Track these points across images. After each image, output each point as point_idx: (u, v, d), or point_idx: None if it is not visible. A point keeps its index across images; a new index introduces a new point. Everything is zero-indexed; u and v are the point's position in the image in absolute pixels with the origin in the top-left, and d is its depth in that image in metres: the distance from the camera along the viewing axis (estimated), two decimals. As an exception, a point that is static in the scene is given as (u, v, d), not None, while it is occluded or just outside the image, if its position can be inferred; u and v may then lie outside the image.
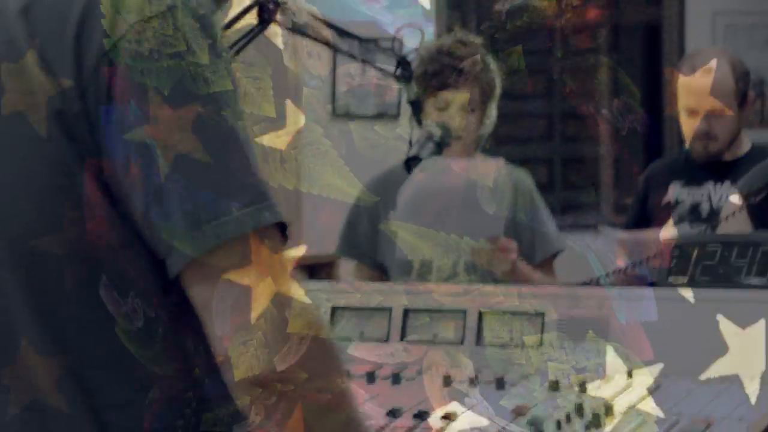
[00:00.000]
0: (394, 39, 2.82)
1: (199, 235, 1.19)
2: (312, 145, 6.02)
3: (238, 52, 2.56)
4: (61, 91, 1.22)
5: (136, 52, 1.21)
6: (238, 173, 1.21)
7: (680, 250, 2.15)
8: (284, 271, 1.23)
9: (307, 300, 1.24)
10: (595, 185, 7.78)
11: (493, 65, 3.26)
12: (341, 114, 6.58)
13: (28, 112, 1.23)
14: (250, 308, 1.20)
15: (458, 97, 3.22)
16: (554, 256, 3.29)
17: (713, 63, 3.50)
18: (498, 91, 3.27)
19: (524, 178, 3.34)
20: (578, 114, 8.34)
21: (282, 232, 1.25)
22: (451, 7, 7.24)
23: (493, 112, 3.27)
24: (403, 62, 2.79)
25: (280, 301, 1.21)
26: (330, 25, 2.61)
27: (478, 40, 3.33)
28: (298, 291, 1.24)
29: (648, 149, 7.39)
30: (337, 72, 6.45)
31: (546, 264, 3.26)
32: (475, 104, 3.23)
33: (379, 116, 6.46)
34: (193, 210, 1.20)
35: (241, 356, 1.20)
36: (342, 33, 2.66)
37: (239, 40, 2.55)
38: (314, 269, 5.99)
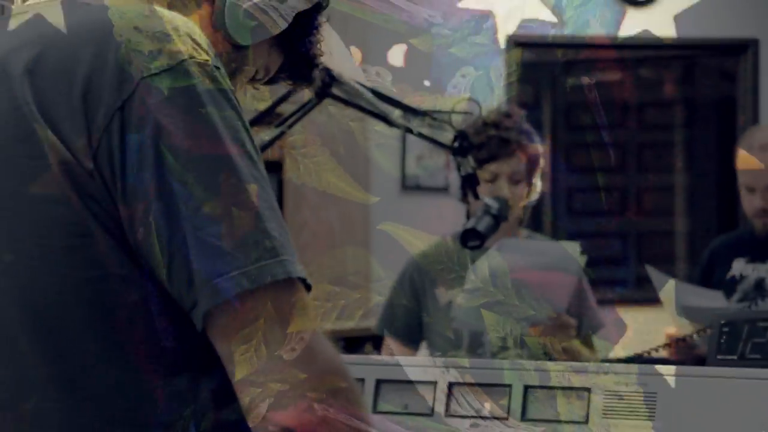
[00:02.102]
0: (451, 112, 2.83)
1: (214, 287, 1.19)
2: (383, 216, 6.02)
3: (292, 125, 2.58)
4: (71, 152, 1.22)
5: (144, 109, 1.21)
6: (250, 228, 1.21)
7: (730, 326, 2.11)
8: (308, 323, 1.23)
9: (335, 355, 1.24)
10: (664, 259, 7.71)
11: (537, 137, 3.27)
12: (411, 186, 6.58)
13: (39, 177, 1.23)
14: (274, 360, 1.20)
15: (504, 168, 3.22)
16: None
17: None
18: (542, 163, 3.27)
19: (574, 251, 3.31)
20: (652, 187, 8.29)
21: (305, 285, 1.25)
22: (524, 81, 7.23)
23: (538, 183, 3.26)
24: (461, 135, 2.78)
25: (307, 354, 1.21)
26: (384, 98, 2.62)
27: (522, 111, 3.32)
28: (327, 344, 1.24)
29: (722, 223, 7.31)
30: (406, 145, 6.50)
31: (588, 339, 3.22)
32: (520, 176, 3.24)
33: (446, 190, 6.46)
34: (207, 263, 1.20)
35: (268, 407, 1.19)
36: (399, 106, 2.67)
37: (294, 113, 2.57)
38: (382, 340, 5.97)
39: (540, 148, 3.28)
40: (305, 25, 1.54)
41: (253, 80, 1.56)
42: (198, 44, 1.27)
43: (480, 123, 3.26)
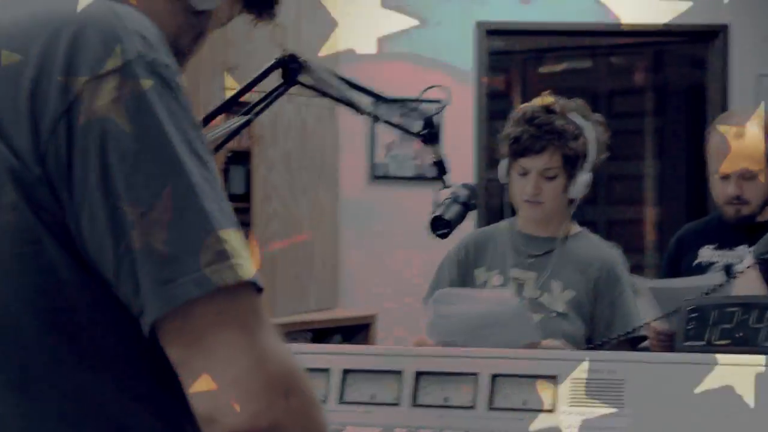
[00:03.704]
0: (420, 100, 2.81)
1: (162, 295, 1.17)
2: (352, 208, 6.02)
3: (261, 112, 2.55)
4: (18, 157, 1.19)
5: (90, 112, 1.18)
6: (199, 232, 1.19)
7: (697, 311, 2.11)
8: (261, 326, 1.20)
9: (289, 356, 1.21)
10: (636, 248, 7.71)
11: (586, 131, 3.23)
12: (380, 176, 6.57)
13: None
14: (227, 364, 1.17)
15: (536, 164, 3.21)
16: (634, 336, 3.17)
17: (745, 125, 3.45)
18: (591, 156, 3.23)
19: (611, 256, 3.30)
20: (622, 175, 8.29)
21: (257, 288, 1.22)
22: (493, 70, 7.23)
23: (582, 178, 3.22)
24: (428, 123, 2.76)
25: (260, 356, 1.18)
26: (354, 86, 2.60)
27: (568, 105, 3.28)
28: (280, 346, 1.21)
29: (691, 211, 7.32)
30: (375, 134, 6.49)
31: (624, 344, 3.16)
32: (556, 171, 3.21)
33: (418, 178, 6.45)
34: (154, 270, 1.17)
35: (222, 412, 1.17)
36: (368, 93, 2.64)
37: (263, 99, 2.55)
38: (352, 331, 5.96)
39: (589, 143, 3.23)
40: None
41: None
42: (148, 41, 1.22)
43: (519, 114, 3.26)
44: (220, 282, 1.17)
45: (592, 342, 3.11)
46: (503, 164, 3.29)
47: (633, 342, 3.19)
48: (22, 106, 1.19)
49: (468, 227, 3.17)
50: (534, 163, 3.20)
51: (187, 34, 1.44)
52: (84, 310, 1.21)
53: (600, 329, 3.17)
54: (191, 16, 1.44)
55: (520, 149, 3.22)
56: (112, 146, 1.17)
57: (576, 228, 3.35)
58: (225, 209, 1.21)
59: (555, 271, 3.23)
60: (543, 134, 3.19)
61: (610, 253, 3.30)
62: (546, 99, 3.28)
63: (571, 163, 3.20)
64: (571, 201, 3.27)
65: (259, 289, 1.21)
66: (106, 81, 1.18)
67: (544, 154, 3.19)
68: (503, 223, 3.42)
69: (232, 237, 1.20)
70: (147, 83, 1.19)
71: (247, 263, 1.20)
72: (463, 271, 3.31)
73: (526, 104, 3.32)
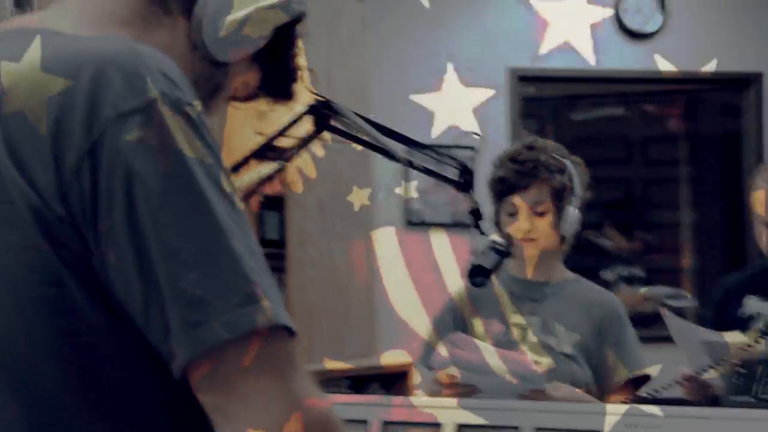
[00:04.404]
0: (455, 146, 2.79)
1: (192, 338, 1.14)
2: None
3: (290, 158, 2.52)
4: (40, 197, 1.16)
5: (114, 151, 1.15)
6: (228, 273, 1.15)
7: (745, 366, 2.05)
8: (295, 372, 1.17)
9: (325, 404, 1.18)
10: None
11: (569, 167, 3.21)
12: (415, 222, 6.55)
13: (8, 222, 1.17)
14: (262, 412, 1.14)
15: (524, 200, 3.19)
16: (635, 380, 3.16)
17: None
18: (578, 192, 3.22)
19: (612, 299, 3.28)
20: (658, 223, 8.25)
21: (290, 332, 1.18)
22: (526, 116, 7.20)
23: (572, 214, 3.20)
24: (464, 170, 2.73)
25: (295, 403, 1.15)
26: (387, 131, 2.57)
27: (546, 143, 3.28)
28: (316, 394, 1.17)
29: (728, 259, 7.26)
30: (409, 180, 6.46)
31: (625, 389, 3.13)
32: (546, 206, 3.19)
33: (453, 225, 6.42)
34: (183, 312, 1.14)
35: None
36: (400, 139, 2.61)
37: (295, 146, 2.52)
38: (390, 379, 5.92)
39: (573, 179, 3.22)
40: (284, 37, 1.47)
41: (233, 98, 1.50)
42: (171, 80, 1.20)
43: (502, 156, 3.25)
44: (251, 325, 1.14)
45: (597, 384, 3.09)
46: (476, 212, 3.28)
47: (637, 383, 3.16)
48: (45, 143, 1.17)
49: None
50: (523, 199, 3.19)
51: (205, 85, 1.41)
52: (107, 354, 1.18)
53: (605, 371, 3.15)
54: (208, 67, 1.41)
55: (506, 188, 3.21)
56: (138, 186, 1.14)
57: (571, 273, 3.34)
58: (255, 250, 1.18)
59: (557, 314, 3.21)
60: (528, 170, 3.18)
61: (611, 296, 3.31)
62: (528, 138, 3.30)
63: (559, 197, 3.19)
64: (562, 240, 3.25)
65: (292, 334, 1.17)
66: (130, 120, 1.16)
67: (531, 190, 3.18)
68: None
69: (262, 279, 1.16)
70: (171, 122, 1.17)
71: (279, 307, 1.17)
72: (461, 323, 3.28)
73: (508, 148, 3.32)
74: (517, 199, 3.19)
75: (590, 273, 7.19)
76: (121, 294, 1.16)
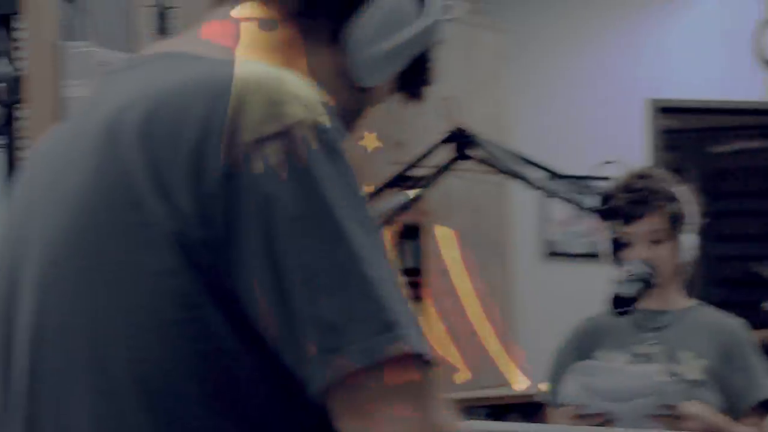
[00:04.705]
0: (594, 177, 2.78)
1: (327, 364, 1.13)
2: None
3: (430, 186, 2.52)
4: (181, 221, 1.16)
5: (253, 175, 1.15)
6: (365, 300, 1.15)
7: None
8: (433, 402, 1.16)
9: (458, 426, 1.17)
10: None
11: (683, 194, 3.18)
12: (554, 253, 6.51)
13: (148, 246, 1.18)
14: None
15: (640, 230, 3.15)
16: (764, 404, 3.11)
17: None
18: (693, 218, 3.18)
19: (737, 323, 3.23)
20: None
21: (428, 361, 1.17)
22: (666, 148, 7.12)
23: (688, 240, 3.16)
24: (605, 198, 2.72)
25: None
26: (525, 160, 2.56)
27: (658, 171, 3.26)
28: (454, 424, 1.17)
29: None
30: (546, 210, 6.43)
31: (755, 414, 3.09)
32: (662, 234, 3.14)
33: (592, 255, 6.36)
34: (319, 339, 1.13)
35: None
36: (539, 168, 2.60)
37: (431, 174, 2.52)
38: (528, 409, 5.87)
39: (687, 206, 3.18)
40: (425, 51, 1.47)
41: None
42: (311, 106, 1.20)
43: (614, 187, 3.22)
44: (387, 352, 1.13)
45: (726, 410, 3.05)
46: (605, 241, 3.25)
47: (766, 407, 3.12)
48: (185, 167, 1.17)
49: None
50: (639, 228, 3.14)
51: (348, 110, 1.41)
52: (245, 379, 1.18)
53: (735, 396, 3.10)
54: (353, 92, 1.42)
55: (620, 217, 3.14)
56: (275, 211, 1.14)
57: (692, 300, 3.29)
58: (393, 278, 1.17)
59: (682, 341, 3.16)
60: (643, 198, 3.14)
61: (736, 321, 3.24)
62: (638, 168, 3.28)
63: (675, 224, 3.15)
64: (681, 267, 3.20)
65: (431, 362, 1.16)
66: (269, 144, 1.16)
67: (647, 218, 3.13)
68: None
69: (400, 307, 1.16)
70: (310, 147, 1.17)
71: (417, 334, 1.15)
72: (584, 356, 3.25)
73: (618, 178, 3.29)
74: (634, 229, 3.15)
75: (752, 305, 7.11)
76: (258, 318, 1.16)
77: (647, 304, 3.20)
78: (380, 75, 1.41)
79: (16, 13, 2.67)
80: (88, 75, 2.68)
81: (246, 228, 1.15)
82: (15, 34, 2.68)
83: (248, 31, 1.35)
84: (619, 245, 2.82)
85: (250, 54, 1.32)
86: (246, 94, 1.18)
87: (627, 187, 3.18)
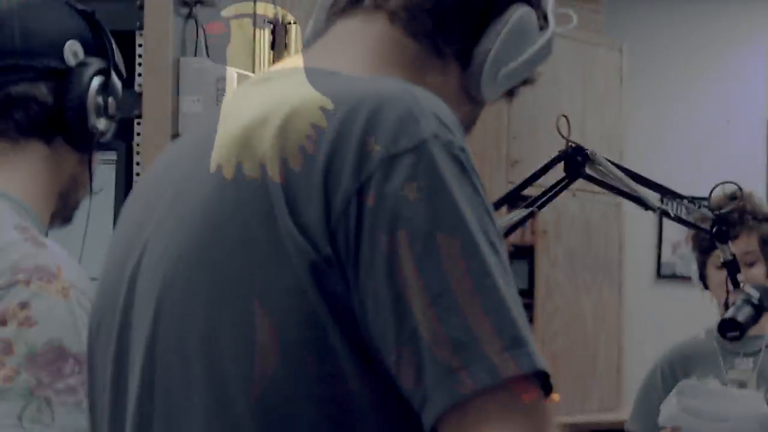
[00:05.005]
0: (710, 196, 2.75)
1: (449, 383, 1.11)
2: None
3: (544, 205, 2.50)
4: (311, 239, 1.16)
5: (383, 191, 1.15)
6: (494, 317, 1.13)
7: None
8: (548, 427, 1.14)
9: None
10: None
11: None
12: (667, 276, 6.43)
13: (278, 265, 1.17)
14: None
15: (734, 250, 3.08)
16: None
17: None
18: None
19: None
20: None
21: (544, 382, 1.15)
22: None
23: None
24: (720, 220, 2.67)
25: None
26: (641, 180, 2.52)
27: (748, 192, 3.19)
28: None
29: None
30: (663, 231, 6.35)
31: None
32: (756, 255, 3.11)
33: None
34: (441, 357, 1.11)
35: None
36: (655, 188, 2.57)
37: (546, 192, 2.50)
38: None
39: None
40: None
41: None
42: (444, 123, 1.19)
43: (702, 213, 3.18)
44: (515, 371, 1.11)
45: None
46: (694, 266, 3.19)
47: None
48: (317, 183, 1.17)
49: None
50: (732, 250, 3.05)
51: (464, 123, 1.41)
52: (362, 402, 1.17)
53: None
54: (471, 106, 1.42)
55: (711, 240, 3.02)
56: (404, 227, 1.13)
57: None
58: (517, 299, 1.16)
59: None
60: (734, 220, 3.07)
61: None
62: (727, 188, 3.19)
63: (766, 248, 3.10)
64: None
65: (552, 384, 1.15)
66: (401, 160, 1.15)
67: (740, 239, 3.09)
68: (700, 333, 3.32)
69: (525, 326, 1.14)
70: (443, 164, 1.16)
71: (539, 354, 1.13)
72: (673, 385, 3.18)
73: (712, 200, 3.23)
74: (725, 252, 3.10)
75: None
76: (376, 337, 1.15)
77: None
78: (502, 90, 1.41)
79: (136, 30, 2.72)
80: (205, 91, 2.71)
81: (371, 244, 1.14)
82: (137, 50, 2.73)
83: (379, 47, 1.36)
84: (734, 268, 2.77)
85: (381, 70, 1.33)
86: (380, 111, 1.18)
87: (717, 210, 3.14)
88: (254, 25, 3.16)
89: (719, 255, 3.11)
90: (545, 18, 1.43)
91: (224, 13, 3.00)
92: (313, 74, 1.29)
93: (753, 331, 3.13)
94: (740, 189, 2.82)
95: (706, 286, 3.22)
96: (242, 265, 1.19)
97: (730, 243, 3.08)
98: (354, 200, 1.15)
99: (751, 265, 3.11)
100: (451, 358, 1.11)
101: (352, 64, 1.32)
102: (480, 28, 1.38)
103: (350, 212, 1.15)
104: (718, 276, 3.13)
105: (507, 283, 1.15)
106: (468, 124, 1.43)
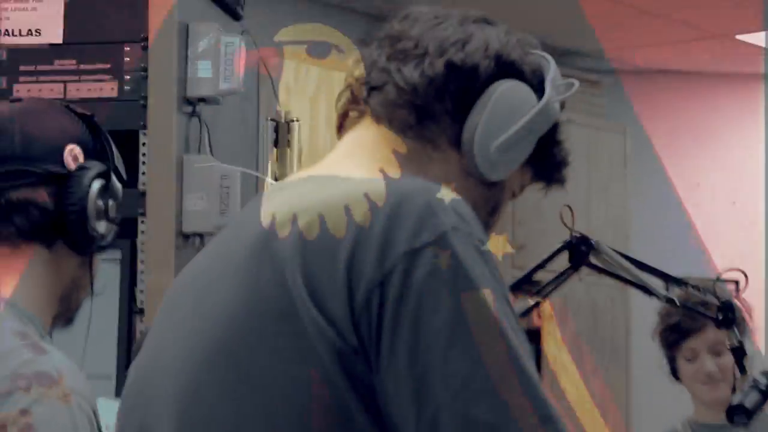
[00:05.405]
0: (715, 281, 2.76)
1: None
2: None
3: (548, 295, 2.52)
4: (336, 330, 1.18)
5: (406, 283, 1.17)
6: (521, 397, 1.16)
7: None
8: None
9: None
10: None
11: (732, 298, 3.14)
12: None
13: (302, 355, 1.19)
14: None
15: (701, 343, 3.14)
16: None
17: None
18: (750, 324, 3.12)
19: None
20: None
21: None
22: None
23: (750, 346, 3.09)
24: (725, 306, 2.68)
25: None
26: (645, 267, 2.54)
27: (709, 282, 3.21)
28: None
29: None
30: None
31: None
32: (723, 346, 3.09)
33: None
34: None
35: None
36: (659, 275, 2.58)
37: (553, 280, 2.52)
38: None
39: (740, 309, 3.13)
40: (549, 132, 1.48)
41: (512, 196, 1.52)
42: (462, 216, 1.23)
43: (667, 308, 3.21)
44: None
45: None
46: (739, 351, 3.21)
47: None
48: (340, 277, 1.19)
49: None
50: (701, 341, 3.13)
51: (483, 208, 1.44)
52: None
53: None
54: (485, 189, 1.44)
55: (681, 335, 3.16)
56: (427, 319, 1.16)
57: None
58: (539, 382, 1.19)
59: None
60: (697, 311, 3.07)
61: None
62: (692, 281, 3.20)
63: (737, 330, 3.08)
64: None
65: None
66: (423, 253, 1.18)
67: (707, 330, 3.09)
68: (677, 425, 3.36)
69: (551, 405, 1.18)
70: (463, 254, 1.19)
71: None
72: None
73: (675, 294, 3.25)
74: (694, 343, 3.14)
75: None
76: (398, 423, 1.17)
77: (717, 415, 3.12)
78: (504, 168, 1.43)
79: (140, 129, 2.74)
80: (209, 188, 2.72)
81: (392, 334, 1.17)
82: (141, 149, 2.74)
83: (376, 150, 1.39)
84: (741, 354, 2.77)
85: (391, 170, 1.37)
86: (399, 207, 1.22)
87: (682, 303, 3.17)
88: (260, 122, 3.20)
89: (688, 348, 3.14)
90: (542, 89, 1.45)
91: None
92: (328, 180, 1.33)
93: (723, 419, 3.15)
94: (746, 276, 2.82)
95: (678, 379, 3.24)
96: (265, 358, 1.22)
97: (695, 336, 3.11)
98: (376, 292, 1.18)
99: (720, 353, 3.12)
100: None
101: (366, 168, 1.36)
102: (466, 109, 1.41)
103: (373, 304, 1.18)
104: (688, 368, 3.18)
105: (530, 364, 1.19)
106: (490, 208, 1.46)
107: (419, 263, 1.18)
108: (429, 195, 1.23)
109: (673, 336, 3.20)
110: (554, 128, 1.49)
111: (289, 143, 3.29)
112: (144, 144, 2.74)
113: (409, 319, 1.16)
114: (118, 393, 2.63)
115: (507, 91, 1.41)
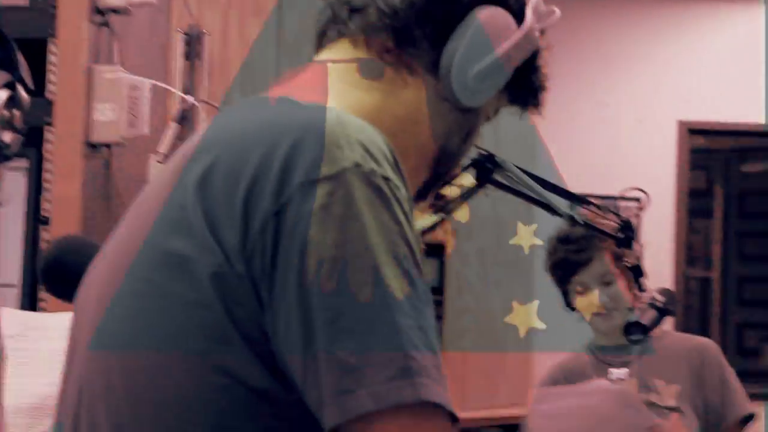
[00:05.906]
0: (616, 199, 2.79)
1: (339, 404, 1.14)
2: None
3: (451, 212, 2.53)
4: (226, 255, 1.18)
5: (300, 215, 1.17)
6: (386, 346, 1.15)
7: None
8: None
9: None
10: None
11: (620, 230, 3.20)
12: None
13: (188, 278, 1.20)
14: None
15: (589, 276, 3.21)
16: (743, 421, 3.17)
17: None
18: (635, 247, 3.19)
19: (706, 342, 3.28)
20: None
21: (446, 413, 1.17)
22: (694, 168, 7.11)
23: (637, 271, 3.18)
24: (625, 226, 2.73)
25: None
26: (550, 186, 2.57)
27: (584, 212, 3.27)
28: None
29: None
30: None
31: (737, 425, 3.16)
32: (611, 275, 3.19)
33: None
34: (335, 379, 1.14)
35: None
36: (563, 194, 2.61)
37: (456, 197, 2.53)
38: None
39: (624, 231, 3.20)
40: (528, 60, 1.48)
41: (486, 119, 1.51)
42: (369, 152, 1.21)
43: (553, 241, 3.27)
44: (398, 399, 1.13)
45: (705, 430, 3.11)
46: (561, 295, 3.28)
47: (744, 421, 3.19)
48: (238, 204, 1.19)
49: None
50: (589, 274, 3.21)
51: (457, 133, 1.44)
52: (262, 421, 1.19)
53: (712, 417, 3.15)
54: (460, 115, 1.44)
55: (569, 270, 3.23)
56: (313, 251, 1.16)
57: (657, 328, 3.30)
58: (425, 330, 1.17)
59: (653, 369, 3.19)
60: (585, 246, 3.20)
61: (704, 340, 3.29)
62: (577, 231, 3.24)
63: (622, 258, 3.15)
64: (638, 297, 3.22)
65: (450, 415, 1.16)
66: (318, 187, 1.17)
67: (594, 263, 3.19)
68: (579, 349, 3.41)
69: (423, 357, 1.16)
70: (359, 193, 1.18)
71: (435, 386, 1.15)
72: None
73: (554, 234, 3.30)
74: (583, 277, 3.21)
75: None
76: (286, 357, 1.17)
77: (614, 339, 3.25)
78: (482, 95, 1.43)
79: (48, 37, 2.70)
80: (118, 99, 2.71)
81: (284, 266, 1.16)
82: (48, 58, 2.72)
83: (344, 74, 1.40)
84: (638, 273, 2.83)
85: (351, 94, 1.37)
86: (305, 137, 1.20)
87: (566, 239, 3.24)
88: (171, 34, 3.17)
89: (578, 281, 3.20)
90: (523, 16, 1.45)
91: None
92: (254, 105, 1.33)
93: (620, 342, 3.20)
94: (646, 194, 2.86)
95: (573, 309, 3.30)
96: (161, 277, 1.22)
97: (583, 270, 3.17)
98: (271, 223, 1.17)
99: (609, 284, 3.20)
100: (342, 380, 1.14)
101: (318, 91, 1.36)
102: (446, 35, 1.41)
103: (267, 233, 1.17)
104: (581, 301, 3.25)
105: (414, 314, 1.17)
106: (464, 134, 1.46)
107: (313, 196, 1.17)
108: (340, 127, 1.22)
109: (561, 271, 3.26)
110: (534, 55, 1.49)
111: (199, 56, 3.27)
112: (53, 53, 2.71)
113: (297, 253, 1.16)
114: (22, 302, 2.63)
115: (487, 17, 1.41)
